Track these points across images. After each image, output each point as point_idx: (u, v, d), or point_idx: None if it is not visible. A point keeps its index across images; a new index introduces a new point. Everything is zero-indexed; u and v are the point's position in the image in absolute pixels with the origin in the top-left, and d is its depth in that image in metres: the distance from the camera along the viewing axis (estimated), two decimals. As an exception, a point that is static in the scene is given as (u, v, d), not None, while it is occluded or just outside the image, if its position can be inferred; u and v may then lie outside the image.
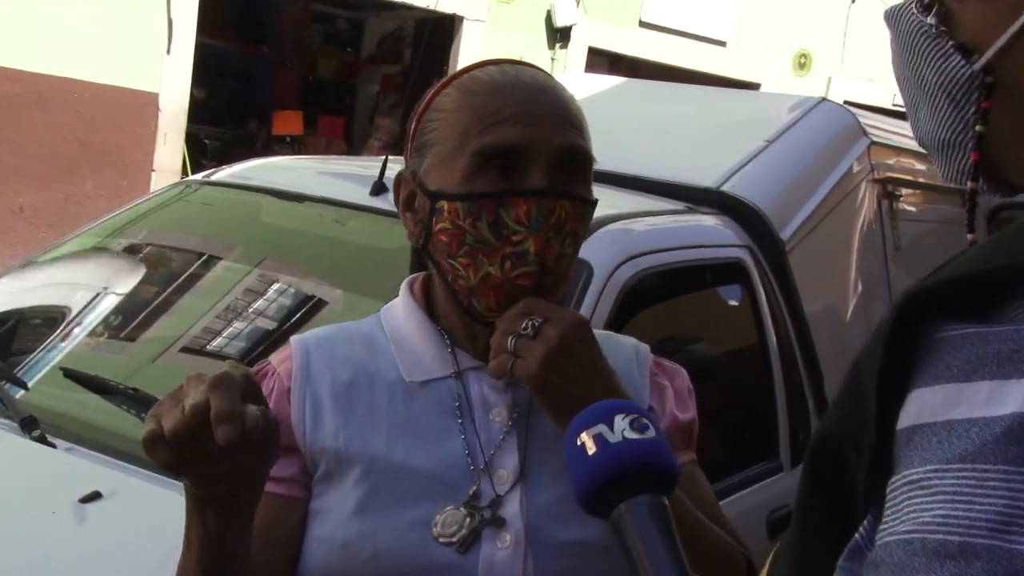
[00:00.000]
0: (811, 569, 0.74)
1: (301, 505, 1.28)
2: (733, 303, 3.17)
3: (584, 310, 2.36)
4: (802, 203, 3.31)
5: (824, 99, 3.84)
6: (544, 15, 9.74)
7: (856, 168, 3.57)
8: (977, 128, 0.78)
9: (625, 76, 7.25)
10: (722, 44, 10.84)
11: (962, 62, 0.77)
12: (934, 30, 0.80)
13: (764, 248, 3.10)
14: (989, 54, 0.76)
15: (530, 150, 1.24)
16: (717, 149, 3.44)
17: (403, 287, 1.39)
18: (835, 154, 3.50)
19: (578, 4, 9.72)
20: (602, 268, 2.48)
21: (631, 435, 0.94)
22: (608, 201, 2.99)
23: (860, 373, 0.70)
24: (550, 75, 1.34)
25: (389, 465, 1.26)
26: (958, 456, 0.60)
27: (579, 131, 1.29)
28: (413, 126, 1.33)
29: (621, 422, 0.95)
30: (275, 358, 1.35)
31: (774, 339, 3.06)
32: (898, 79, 0.86)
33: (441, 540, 1.22)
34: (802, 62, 11.41)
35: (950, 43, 0.79)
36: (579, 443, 0.95)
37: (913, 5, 0.82)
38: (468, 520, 1.23)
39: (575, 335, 1.24)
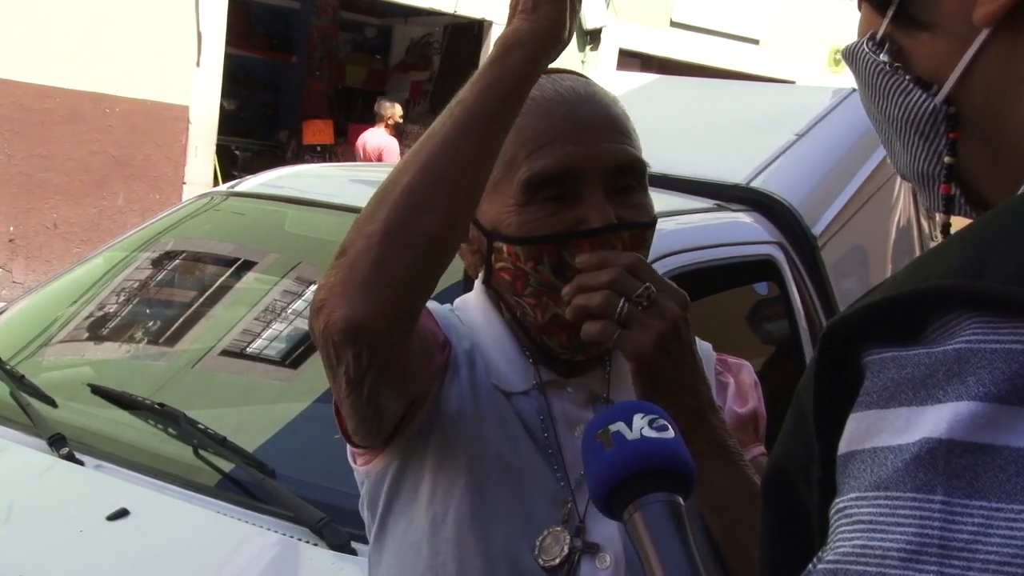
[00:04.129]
0: None
1: (435, 375, 1.21)
2: (765, 300, 3.09)
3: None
4: (835, 196, 3.23)
5: (855, 89, 3.74)
6: (573, 17, 9.69)
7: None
8: (946, 159, 0.78)
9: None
10: (755, 42, 10.74)
11: (923, 95, 0.78)
12: (889, 67, 0.80)
13: (796, 244, 3.03)
14: (948, 86, 0.76)
15: (582, 172, 1.19)
16: (747, 144, 3.37)
17: (477, 284, 1.32)
18: (868, 145, 3.41)
19: (608, 5, 9.65)
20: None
21: (649, 433, 0.92)
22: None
23: (801, 404, 0.70)
24: (589, 79, 1.29)
25: (495, 464, 1.21)
26: (874, 484, 0.60)
27: (628, 137, 1.24)
28: None
29: (640, 421, 0.93)
30: None
31: (808, 336, 2.98)
32: (869, 116, 0.87)
33: (544, 564, 1.18)
34: (837, 59, 11.29)
35: (907, 78, 0.79)
36: (597, 442, 0.93)
37: (865, 44, 0.82)
38: (567, 540, 1.19)
39: (685, 314, 1.17)
